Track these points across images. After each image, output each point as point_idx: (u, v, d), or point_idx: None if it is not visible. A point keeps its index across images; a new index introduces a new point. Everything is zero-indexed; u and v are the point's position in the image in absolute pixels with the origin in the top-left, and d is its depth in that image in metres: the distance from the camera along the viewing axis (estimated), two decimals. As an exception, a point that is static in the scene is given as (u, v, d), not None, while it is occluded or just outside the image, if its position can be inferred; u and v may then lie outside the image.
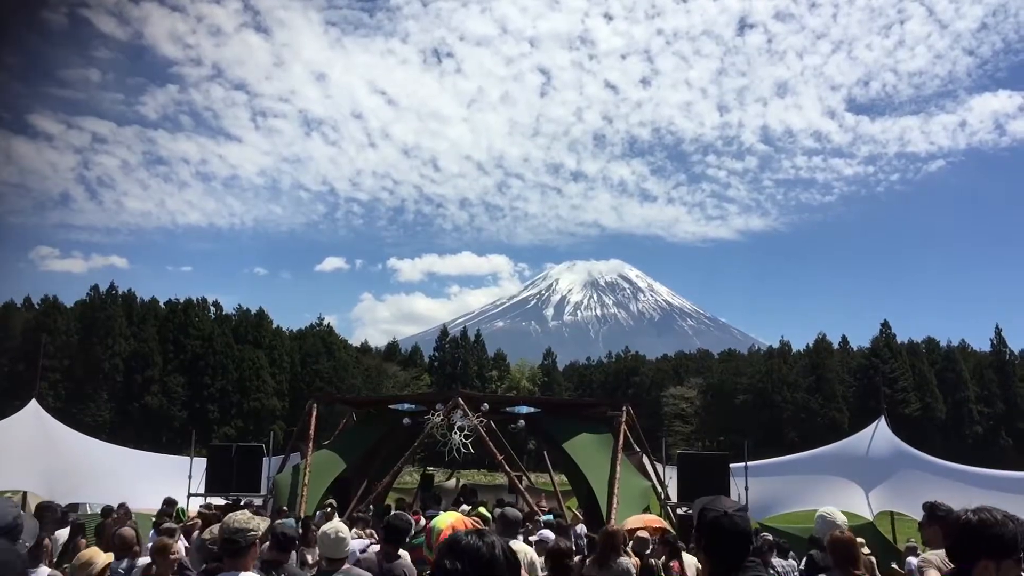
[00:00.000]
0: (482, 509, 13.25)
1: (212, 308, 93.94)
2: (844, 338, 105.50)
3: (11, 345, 78.01)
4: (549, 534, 10.47)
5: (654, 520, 14.50)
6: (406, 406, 21.10)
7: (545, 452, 27.01)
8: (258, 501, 19.12)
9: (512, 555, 2.63)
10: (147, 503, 17.94)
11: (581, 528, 14.75)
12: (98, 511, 23.03)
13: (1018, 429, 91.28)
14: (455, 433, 19.22)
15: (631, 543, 10.30)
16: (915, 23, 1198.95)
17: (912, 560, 4.38)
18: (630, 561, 8.73)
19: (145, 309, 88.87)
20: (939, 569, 5.63)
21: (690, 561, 9.80)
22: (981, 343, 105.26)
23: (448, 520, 3.99)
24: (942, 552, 5.92)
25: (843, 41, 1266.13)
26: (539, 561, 8.38)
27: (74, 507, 23.27)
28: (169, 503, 16.12)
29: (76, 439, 24.37)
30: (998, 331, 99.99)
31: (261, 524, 4.96)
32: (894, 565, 16.24)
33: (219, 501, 19.43)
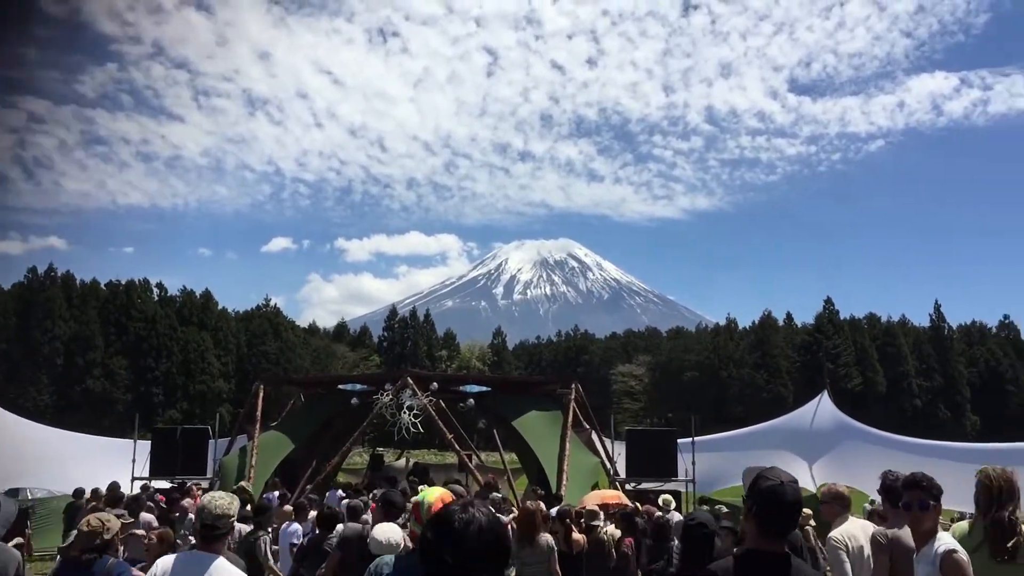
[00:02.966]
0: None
1: (155, 290, 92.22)
2: (789, 315, 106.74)
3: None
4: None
5: (614, 496, 14.68)
6: (355, 386, 20.96)
7: (495, 430, 27.07)
8: (204, 484, 18.89)
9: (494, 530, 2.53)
10: (89, 487, 17.58)
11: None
12: (40, 496, 22.63)
13: (955, 402, 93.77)
14: (404, 413, 19.14)
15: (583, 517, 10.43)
16: (855, 5, 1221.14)
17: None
18: (550, 537, 9.00)
19: (85, 291, 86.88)
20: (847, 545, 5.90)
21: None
22: (920, 318, 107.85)
23: (437, 493, 3.98)
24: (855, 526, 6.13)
25: (785, 23, 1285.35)
26: None
27: (15, 492, 22.80)
28: (113, 488, 15.93)
29: (15, 423, 23.80)
30: (937, 306, 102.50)
31: (237, 506, 4.90)
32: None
33: (164, 484, 19.17)
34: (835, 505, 6.39)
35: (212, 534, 4.65)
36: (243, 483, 15.43)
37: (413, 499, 4.08)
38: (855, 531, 5.96)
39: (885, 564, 5.36)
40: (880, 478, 5.85)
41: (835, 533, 6.01)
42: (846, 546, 5.82)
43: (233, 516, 4.76)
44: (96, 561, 5.40)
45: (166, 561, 4.64)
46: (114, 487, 15.92)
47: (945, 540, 4.36)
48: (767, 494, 3.37)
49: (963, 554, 4.22)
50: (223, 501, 4.75)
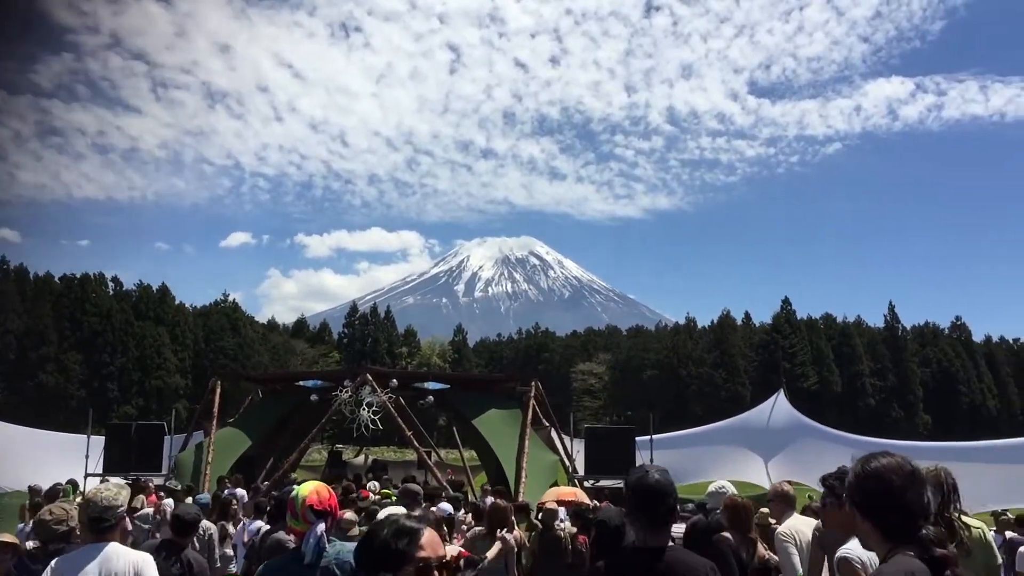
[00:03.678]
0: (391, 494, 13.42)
1: (111, 284, 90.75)
2: (747, 314, 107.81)
3: None
4: (447, 506, 11.25)
5: (569, 492, 14.76)
6: (314, 383, 20.85)
7: (455, 428, 27.07)
8: (159, 480, 18.68)
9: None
10: (41, 483, 17.31)
11: (489, 500, 14.88)
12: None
13: (908, 401, 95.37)
14: (363, 409, 19.08)
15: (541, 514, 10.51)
16: (814, 9, 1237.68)
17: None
18: (515, 534, 9.40)
19: (39, 284, 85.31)
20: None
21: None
22: (875, 319, 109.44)
23: (311, 487, 3.97)
24: (797, 521, 6.26)
25: (745, 25, 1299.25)
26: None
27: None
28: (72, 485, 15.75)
29: (-36, 419, 23.37)
30: (891, 308, 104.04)
31: (126, 495, 4.83)
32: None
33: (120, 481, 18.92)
34: (780, 503, 6.63)
35: (100, 526, 4.59)
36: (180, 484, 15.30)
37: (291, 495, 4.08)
38: (801, 526, 6.12)
39: (819, 560, 5.53)
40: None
41: (782, 528, 6.21)
42: (794, 539, 5.99)
43: (121, 507, 4.68)
44: (63, 551, 5.29)
45: (57, 559, 4.59)
46: (73, 484, 15.73)
47: (848, 544, 4.21)
48: (633, 488, 3.57)
49: (856, 561, 4.08)
50: (109, 492, 4.69)
